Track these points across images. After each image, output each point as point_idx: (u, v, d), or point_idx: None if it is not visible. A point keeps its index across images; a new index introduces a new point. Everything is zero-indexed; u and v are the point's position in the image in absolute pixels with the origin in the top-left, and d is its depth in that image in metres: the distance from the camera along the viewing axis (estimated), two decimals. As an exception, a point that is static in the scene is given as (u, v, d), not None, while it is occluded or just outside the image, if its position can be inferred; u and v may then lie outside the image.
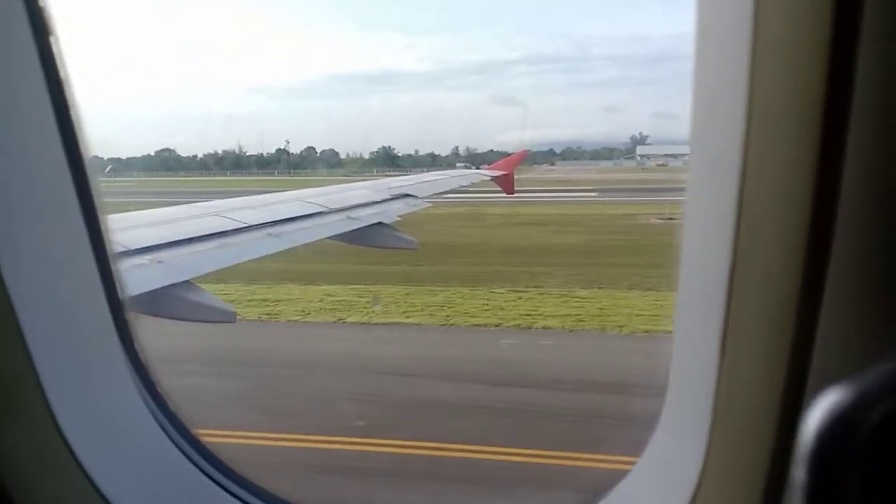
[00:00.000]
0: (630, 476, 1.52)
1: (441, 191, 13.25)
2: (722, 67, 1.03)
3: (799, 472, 0.63)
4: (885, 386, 0.62)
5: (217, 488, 1.74)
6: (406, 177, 15.08)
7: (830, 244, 0.91)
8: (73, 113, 1.49)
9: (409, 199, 10.58)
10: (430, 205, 11.45)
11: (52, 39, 1.43)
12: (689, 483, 1.21)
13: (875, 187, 0.87)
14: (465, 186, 15.39)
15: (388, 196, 10.30)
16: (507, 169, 17.56)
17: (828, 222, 0.90)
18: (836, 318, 0.92)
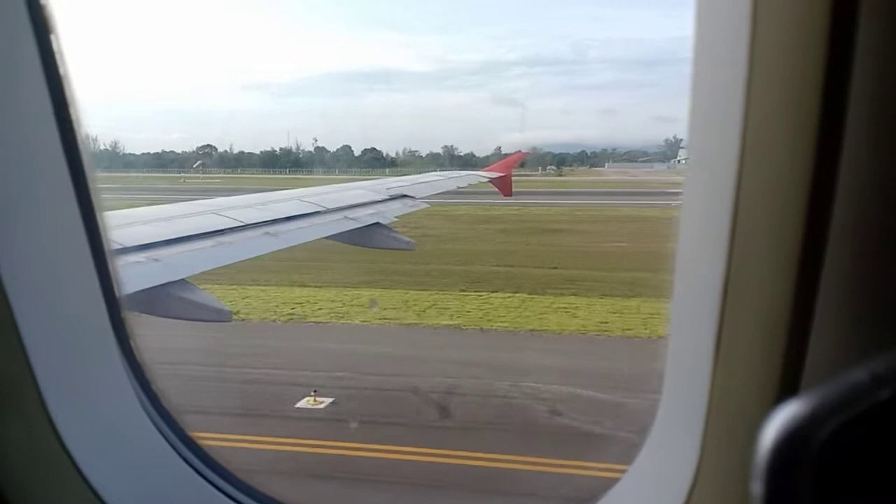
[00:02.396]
0: (623, 480, 1.52)
1: (438, 192, 13.26)
2: (719, 75, 1.03)
3: (755, 487, 0.65)
4: (837, 400, 0.65)
5: (210, 487, 1.74)
6: (403, 178, 15.07)
7: (824, 251, 0.91)
8: (72, 110, 1.49)
9: (406, 200, 10.58)
10: (427, 206, 11.43)
11: (52, 37, 1.43)
12: (683, 488, 1.21)
13: (869, 195, 0.87)
14: (463, 188, 15.37)
15: (385, 196, 10.31)
16: (505, 171, 17.53)
17: (821, 230, 0.91)
18: (829, 323, 0.93)
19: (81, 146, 1.52)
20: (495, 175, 17.14)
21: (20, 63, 1.40)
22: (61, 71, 1.45)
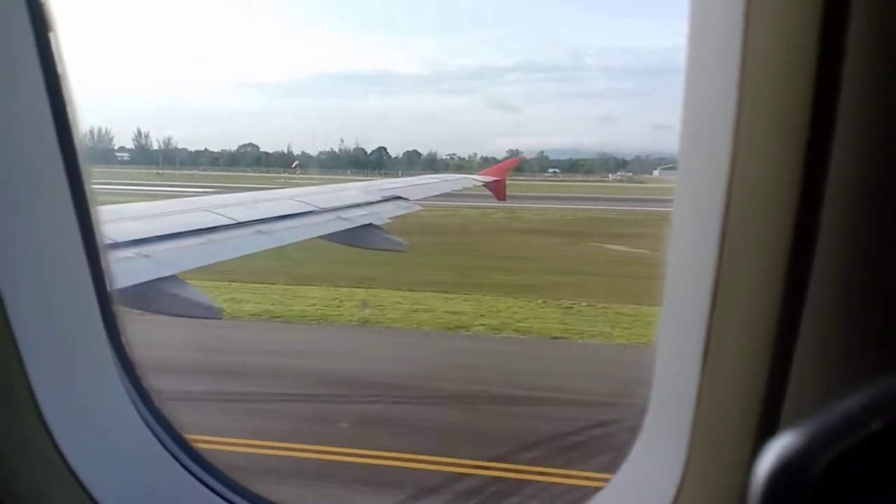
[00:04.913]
0: (607, 490, 1.53)
1: (433, 194, 13.25)
2: (711, 82, 1.05)
3: None
4: (830, 432, 0.65)
5: (199, 485, 1.74)
6: (396, 179, 15.08)
7: (812, 259, 0.93)
8: (69, 108, 1.50)
9: (399, 202, 10.59)
10: (420, 208, 11.42)
11: (51, 35, 1.44)
12: (668, 496, 1.22)
13: (858, 204, 0.89)
14: (457, 191, 15.39)
15: (379, 198, 10.31)
16: (500, 175, 17.57)
17: (810, 238, 0.93)
18: (817, 332, 0.94)
19: (77, 143, 1.53)
20: (490, 179, 17.15)
21: (18, 60, 1.41)
22: (59, 69, 1.46)
